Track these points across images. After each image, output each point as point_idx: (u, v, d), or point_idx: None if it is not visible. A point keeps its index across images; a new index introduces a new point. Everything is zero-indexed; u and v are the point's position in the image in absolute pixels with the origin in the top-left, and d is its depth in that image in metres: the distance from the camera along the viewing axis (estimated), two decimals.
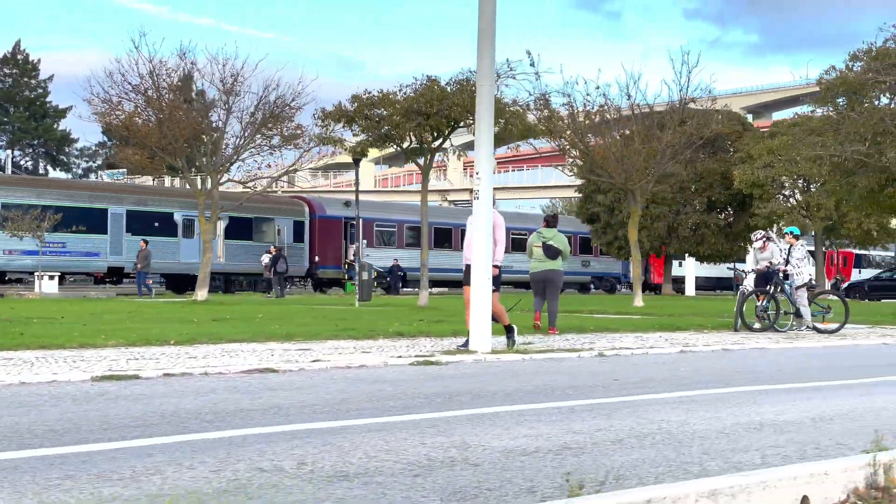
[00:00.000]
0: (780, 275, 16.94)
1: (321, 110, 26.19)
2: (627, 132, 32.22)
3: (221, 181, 29.71)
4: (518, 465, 4.53)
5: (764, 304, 16.70)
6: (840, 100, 31.50)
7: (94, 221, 36.70)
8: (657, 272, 53.38)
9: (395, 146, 26.79)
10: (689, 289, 51.57)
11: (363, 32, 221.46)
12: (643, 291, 38.88)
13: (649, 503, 3.39)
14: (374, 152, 31.24)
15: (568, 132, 30.98)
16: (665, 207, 46.63)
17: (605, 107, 31.27)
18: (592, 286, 54.56)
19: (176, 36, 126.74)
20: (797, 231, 17.78)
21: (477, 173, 10.79)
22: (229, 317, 17.60)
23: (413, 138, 25.76)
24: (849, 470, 3.97)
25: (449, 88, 24.80)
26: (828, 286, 46.43)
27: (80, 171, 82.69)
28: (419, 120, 24.42)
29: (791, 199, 44.49)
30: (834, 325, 16.63)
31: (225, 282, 40.12)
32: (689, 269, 52.15)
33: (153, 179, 62.59)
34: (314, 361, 9.18)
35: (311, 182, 73.57)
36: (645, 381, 8.34)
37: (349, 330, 13.57)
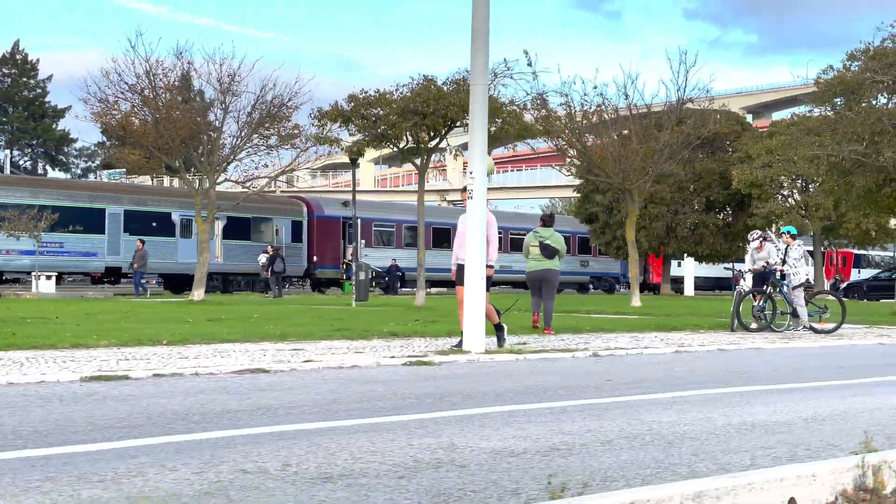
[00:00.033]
0: (777, 275, 16.91)
1: (317, 110, 26.15)
2: (626, 132, 32.19)
3: (218, 181, 29.67)
4: (505, 466, 4.49)
5: (760, 304, 16.68)
6: (838, 99, 31.45)
7: (91, 221, 36.65)
8: (656, 272, 53.35)
9: (391, 146, 26.73)
10: (688, 289, 51.55)
11: (363, 32, 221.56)
12: (642, 291, 38.93)
13: None
14: (373, 153, 31.26)
15: (566, 132, 30.92)
16: (664, 207, 46.60)
17: (603, 106, 31.22)
18: (591, 286, 54.52)
19: (176, 36, 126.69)
20: (794, 231, 17.73)
21: (471, 172, 10.75)
22: (225, 317, 17.56)
23: (409, 138, 25.70)
24: (837, 471, 3.92)
25: (445, 88, 24.73)
26: (827, 286, 46.45)
27: (79, 172, 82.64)
28: (415, 119, 24.35)
29: (790, 200, 44.45)
30: (831, 325, 16.60)
31: (223, 282, 40.09)
32: (688, 269, 52.15)
33: (152, 179, 62.57)
34: (306, 362, 9.13)
35: (310, 182, 73.51)
36: (638, 382, 8.30)
37: (344, 330, 13.53)
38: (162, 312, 19.70)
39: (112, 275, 38.30)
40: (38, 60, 79.72)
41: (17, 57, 78.62)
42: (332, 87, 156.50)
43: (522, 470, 4.39)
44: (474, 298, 10.63)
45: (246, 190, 32.81)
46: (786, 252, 17.26)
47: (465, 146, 31.39)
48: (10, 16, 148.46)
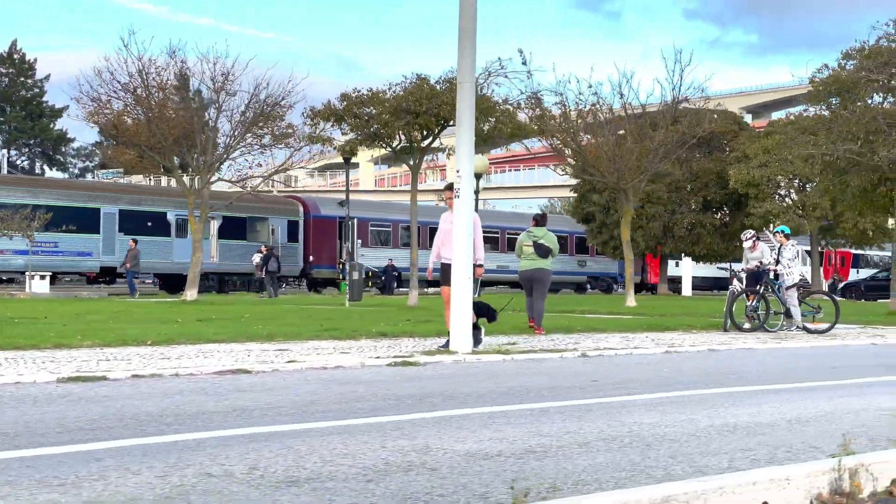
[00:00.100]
0: (771, 274, 16.82)
1: (310, 109, 26.05)
2: (622, 132, 32.09)
3: (212, 180, 29.56)
4: (477, 469, 4.40)
5: (754, 303, 16.60)
6: (833, 99, 31.32)
7: (86, 221, 36.53)
8: (653, 272, 53.22)
9: (384, 145, 26.62)
10: (686, 289, 51.46)
11: (363, 32, 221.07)
12: (640, 291, 38.84)
13: None
14: (372, 153, 31.08)
15: (560, 131, 30.82)
16: (660, 207, 46.47)
17: (598, 106, 31.13)
18: (588, 286, 54.40)
19: (177, 36, 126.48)
20: (787, 230, 17.63)
21: (458, 171, 10.66)
22: (215, 317, 17.45)
23: (402, 137, 25.60)
24: (812, 475, 3.83)
25: (438, 87, 24.63)
26: (825, 286, 46.34)
27: (76, 171, 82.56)
28: (408, 118, 24.25)
29: (787, 199, 44.36)
30: (824, 325, 16.51)
31: (219, 282, 39.98)
32: (686, 269, 52.05)
33: (149, 179, 62.43)
34: (289, 362, 9.04)
35: (308, 182, 73.42)
36: (625, 382, 8.20)
37: (332, 330, 13.43)
38: (154, 312, 19.59)
39: (107, 275, 38.19)
40: (35, 60, 79.68)
41: (15, 56, 78.51)
42: (331, 88, 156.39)
43: (494, 473, 4.30)
44: (461, 298, 10.54)
45: (241, 190, 32.70)
46: (779, 252, 17.17)
47: None
48: (9, 16, 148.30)
